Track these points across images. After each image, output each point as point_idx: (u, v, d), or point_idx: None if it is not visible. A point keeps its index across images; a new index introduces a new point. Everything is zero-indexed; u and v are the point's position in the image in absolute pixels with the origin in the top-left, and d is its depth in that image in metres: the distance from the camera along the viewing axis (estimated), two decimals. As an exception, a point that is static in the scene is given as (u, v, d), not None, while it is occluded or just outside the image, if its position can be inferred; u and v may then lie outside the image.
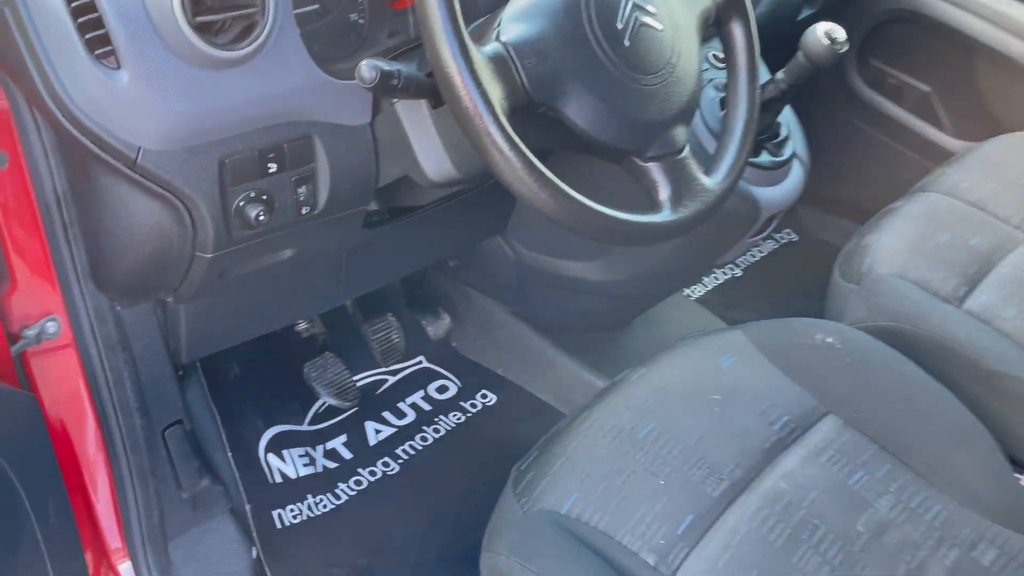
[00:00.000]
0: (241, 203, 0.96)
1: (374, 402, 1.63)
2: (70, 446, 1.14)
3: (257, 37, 0.87)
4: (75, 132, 0.85)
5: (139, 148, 0.87)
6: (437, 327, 1.70)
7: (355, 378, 1.63)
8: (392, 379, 1.68)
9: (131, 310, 1.12)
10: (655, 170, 0.90)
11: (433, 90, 0.88)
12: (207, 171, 0.91)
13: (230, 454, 1.34)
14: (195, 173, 0.91)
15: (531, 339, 1.65)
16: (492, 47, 0.82)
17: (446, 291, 1.74)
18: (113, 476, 1.15)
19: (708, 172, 0.95)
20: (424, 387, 1.68)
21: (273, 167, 0.96)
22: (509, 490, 0.98)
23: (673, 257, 1.36)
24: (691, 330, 1.70)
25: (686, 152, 0.92)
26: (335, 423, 1.57)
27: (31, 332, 1.05)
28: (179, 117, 0.86)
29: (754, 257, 2.07)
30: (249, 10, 0.86)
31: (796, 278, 2.01)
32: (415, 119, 1.00)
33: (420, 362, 1.73)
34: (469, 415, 1.63)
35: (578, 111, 0.86)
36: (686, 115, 0.92)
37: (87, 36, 0.81)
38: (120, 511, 1.16)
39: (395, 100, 1.00)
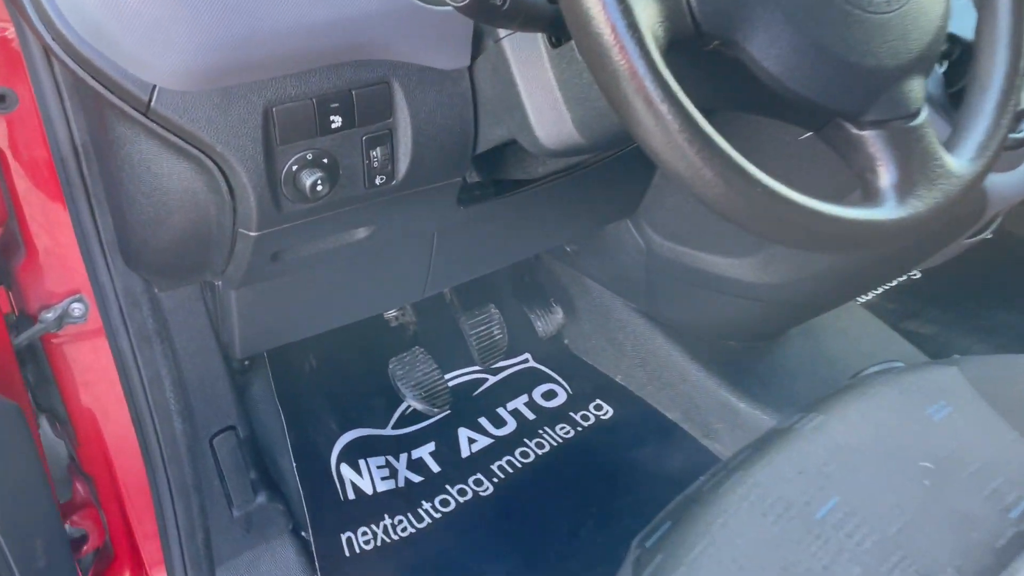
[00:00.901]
0: (294, 168, 0.73)
1: (470, 405, 1.40)
2: (104, 450, 0.96)
3: None
4: (71, 63, 0.64)
5: (154, 87, 0.65)
6: (548, 322, 1.44)
7: (450, 376, 1.40)
8: (492, 379, 1.45)
9: (172, 294, 0.92)
10: (876, 141, 0.61)
11: (553, 20, 0.62)
12: (247, 123, 0.69)
13: (295, 464, 1.14)
14: (231, 124, 0.68)
15: (658, 344, 1.38)
16: None
17: (560, 280, 1.48)
18: (151, 490, 0.96)
19: (950, 148, 0.64)
20: (529, 391, 1.44)
21: (337, 121, 0.73)
22: (628, 573, 0.73)
23: (857, 258, 1.05)
24: (860, 344, 1.39)
25: (923, 117, 0.62)
26: (423, 428, 1.35)
27: (50, 315, 0.86)
28: (208, 44, 0.63)
29: (937, 256, 1.71)
30: None
31: (989, 283, 1.64)
32: (527, 63, 0.74)
33: (526, 360, 1.49)
34: (579, 429, 1.38)
35: (769, 49, 0.58)
36: (926, 62, 0.62)
37: None
38: (159, 530, 0.97)
39: (500, 36, 0.74)
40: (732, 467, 0.77)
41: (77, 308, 0.89)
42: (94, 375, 0.92)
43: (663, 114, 0.52)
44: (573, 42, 0.70)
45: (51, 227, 0.85)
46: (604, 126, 0.73)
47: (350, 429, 1.27)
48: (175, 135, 0.68)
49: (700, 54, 0.59)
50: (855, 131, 0.62)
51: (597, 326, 1.46)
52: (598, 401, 1.42)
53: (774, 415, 1.26)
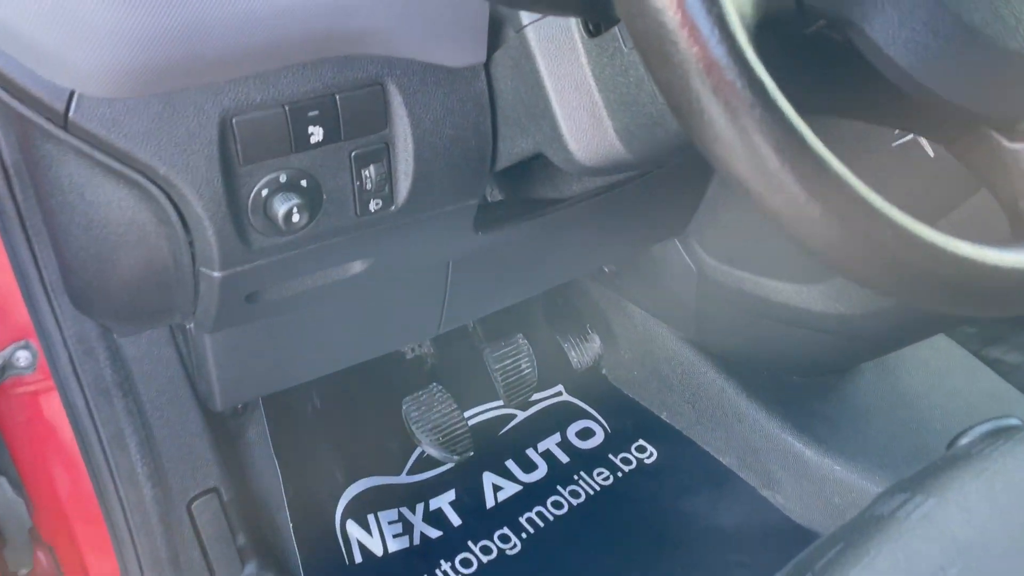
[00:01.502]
0: (263, 192, 0.58)
1: (496, 445, 1.24)
2: (63, 517, 0.82)
3: None
4: None
5: (71, 93, 0.50)
6: (583, 352, 1.28)
7: (472, 412, 1.24)
8: (521, 415, 1.29)
9: (135, 339, 0.77)
10: None
11: (595, 8, 0.47)
12: (197, 137, 0.54)
13: (291, 524, 0.99)
14: (176, 140, 0.53)
15: (710, 378, 1.21)
16: None
17: (597, 303, 1.32)
18: (118, 566, 0.81)
19: None
20: (562, 429, 1.28)
21: (317, 133, 0.58)
22: None
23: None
24: (945, 379, 1.21)
25: None
26: (442, 473, 1.19)
27: (-12, 367, 0.72)
28: (139, 34, 0.48)
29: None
30: None
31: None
32: (558, 57, 0.59)
33: (559, 393, 1.32)
34: (619, 475, 1.22)
35: (897, 30, 0.41)
36: None
37: None
38: (129, 610, 0.83)
39: (524, 23, 0.58)
40: (819, 569, 0.61)
41: (23, 357, 0.75)
42: (46, 433, 0.78)
43: (753, 126, 0.36)
44: (617, 28, 0.54)
45: (-11, 262, 0.71)
46: (657, 137, 0.57)
47: (358, 479, 1.12)
48: (105, 154, 0.53)
49: (796, 38, 0.43)
50: (1008, 144, 0.45)
51: (639, 356, 1.30)
52: (640, 442, 1.26)
53: (846, 464, 1.09)
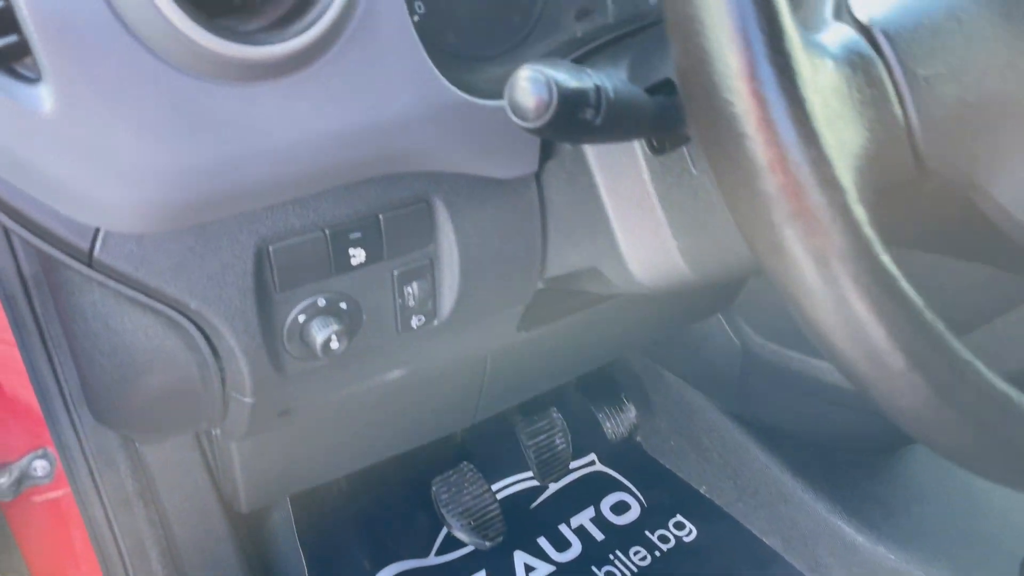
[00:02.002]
0: (300, 319, 0.54)
1: (527, 520, 1.19)
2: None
3: (320, 15, 0.43)
4: None
5: (97, 231, 0.46)
6: (618, 423, 1.23)
7: (501, 484, 1.20)
8: (552, 487, 1.24)
9: (158, 446, 0.73)
10: None
11: (659, 118, 0.42)
12: (232, 269, 0.50)
13: (318, 621, 0.94)
14: (209, 274, 0.49)
15: (752, 453, 1.16)
16: (839, 35, 0.34)
17: (632, 369, 1.27)
18: None
19: None
20: (596, 502, 1.22)
21: (359, 256, 0.53)
22: None
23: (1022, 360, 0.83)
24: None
25: None
26: (471, 553, 1.14)
27: (3, 479, 0.68)
28: (173, 169, 0.44)
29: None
30: None
31: None
32: (617, 171, 0.54)
33: (592, 463, 1.27)
34: (657, 554, 1.16)
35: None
36: None
37: None
38: None
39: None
40: None
41: (40, 467, 0.71)
42: (64, 543, 0.74)
43: (871, 318, 0.31)
44: (685, 149, 0.49)
45: (3, 369, 0.67)
46: (729, 263, 0.52)
47: (386, 564, 1.07)
48: (132, 289, 0.49)
49: (906, 198, 0.38)
50: None
51: (677, 425, 1.24)
52: (679, 518, 1.20)
53: (900, 552, 1.03)
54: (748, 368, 1.07)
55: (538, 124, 0.37)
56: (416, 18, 0.54)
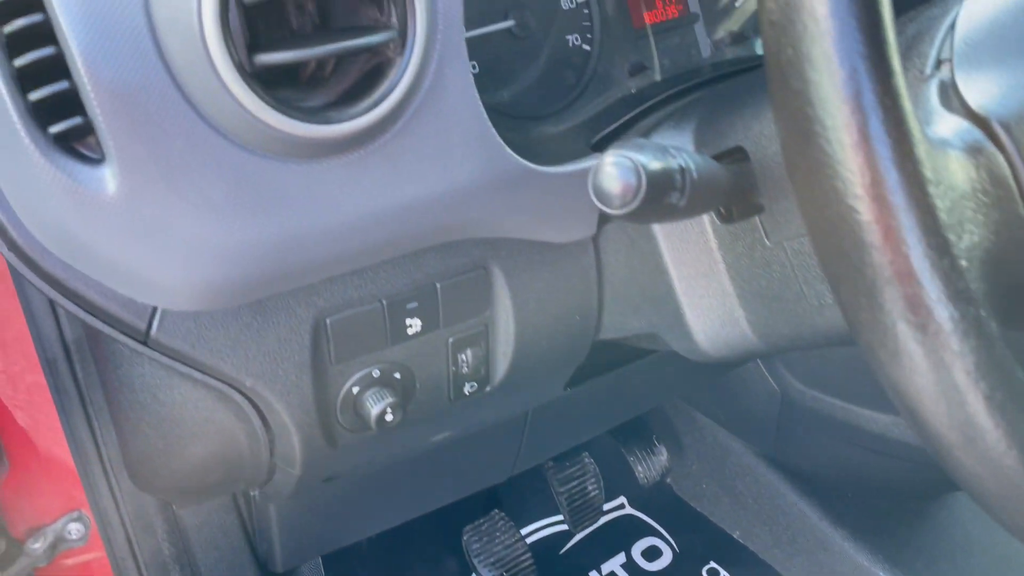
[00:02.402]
0: (354, 390, 0.52)
1: (558, 566, 1.17)
2: None
3: (390, 91, 0.41)
4: (36, 280, 0.44)
5: (153, 311, 0.44)
6: (649, 466, 1.21)
7: (529, 529, 1.17)
8: (582, 531, 1.21)
9: (195, 509, 0.71)
10: None
11: (733, 191, 0.41)
12: (289, 344, 0.48)
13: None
14: (266, 348, 0.48)
15: (789, 500, 1.13)
16: (953, 127, 0.33)
17: (664, 411, 1.25)
18: None
19: None
20: (627, 547, 1.20)
21: (415, 325, 0.52)
22: None
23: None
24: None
25: None
26: (503, 602, 1.12)
27: (38, 545, 0.66)
28: (234, 252, 0.42)
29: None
30: (373, 38, 0.40)
31: None
32: (683, 240, 0.52)
33: (622, 506, 1.25)
34: (692, 603, 1.13)
35: None
36: None
37: (32, 99, 0.38)
38: None
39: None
40: None
41: (75, 529, 0.69)
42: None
43: (1002, 440, 0.29)
44: (758, 218, 0.48)
45: (40, 430, 0.65)
46: (802, 335, 0.50)
47: (417, 615, 1.05)
48: (186, 366, 0.47)
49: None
50: None
51: (709, 469, 1.22)
52: (712, 564, 1.18)
53: (946, 605, 1.00)
54: (786, 414, 1.05)
55: (624, 211, 0.35)
56: None
